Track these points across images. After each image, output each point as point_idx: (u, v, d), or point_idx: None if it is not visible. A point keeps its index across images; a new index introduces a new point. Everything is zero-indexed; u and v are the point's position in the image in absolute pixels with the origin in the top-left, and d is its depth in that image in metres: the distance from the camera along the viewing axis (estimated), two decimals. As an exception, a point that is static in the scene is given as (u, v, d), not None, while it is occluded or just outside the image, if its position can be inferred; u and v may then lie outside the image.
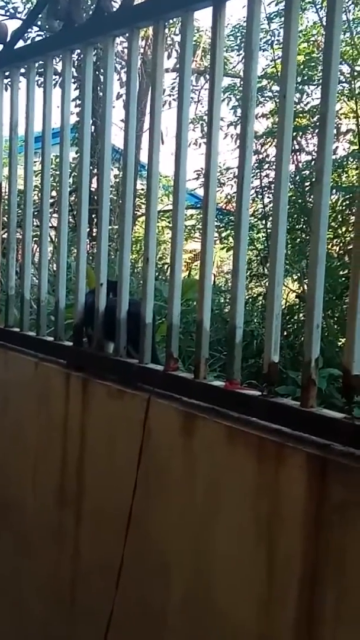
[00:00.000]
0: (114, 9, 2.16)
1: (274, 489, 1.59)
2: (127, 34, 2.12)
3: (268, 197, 7.32)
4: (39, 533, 2.46)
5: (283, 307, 6.45)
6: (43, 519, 2.44)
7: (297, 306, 6.46)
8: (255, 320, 6.19)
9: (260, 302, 6.76)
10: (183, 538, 1.85)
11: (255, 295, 7.28)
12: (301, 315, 6.11)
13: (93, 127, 5.21)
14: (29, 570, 2.52)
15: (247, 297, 6.83)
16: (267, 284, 1.79)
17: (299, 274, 6.69)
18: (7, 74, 2.74)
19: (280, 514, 1.58)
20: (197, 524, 1.80)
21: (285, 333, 5.95)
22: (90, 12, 2.28)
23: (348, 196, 6.49)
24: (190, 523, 1.82)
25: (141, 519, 1.99)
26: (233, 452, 1.70)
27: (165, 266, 7.27)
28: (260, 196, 7.56)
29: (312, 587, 1.50)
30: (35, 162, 2.73)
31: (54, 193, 3.22)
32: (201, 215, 1.91)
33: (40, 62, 2.55)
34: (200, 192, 1.91)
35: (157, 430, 1.95)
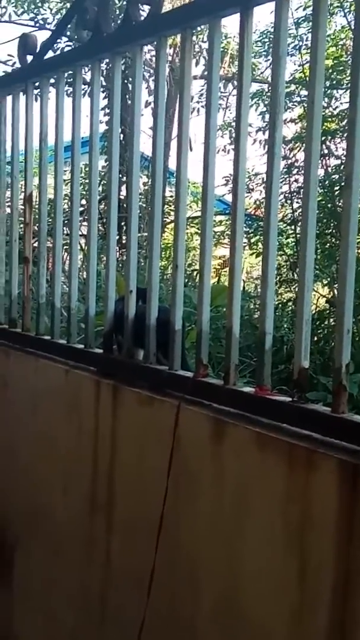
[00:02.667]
0: (142, 18, 2.18)
1: (305, 495, 1.58)
2: (155, 43, 2.13)
3: (297, 202, 7.30)
4: (70, 541, 2.47)
5: (313, 312, 6.42)
6: (74, 527, 2.45)
7: (328, 311, 6.42)
8: (285, 326, 6.17)
9: (290, 308, 6.73)
10: (213, 546, 1.84)
11: (285, 300, 7.25)
12: (331, 320, 6.08)
13: (122, 135, 5.24)
14: (60, 579, 2.54)
15: (276, 303, 6.81)
16: (296, 289, 1.78)
17: (329, 279, 6.65)
18: (37, 84, 2.78)
19: (311, 521, 1.57)
20: (228, 531, 1.80)
21: (315, 338, 5.92)
22: (119, 22, 2.30)
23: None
24: (221, 530, 1.82)
25: (172, 527, 1.99)
26: (263, 459, 1.70)
27: (195, 272, 7.27)
28: (289, 201, 7.54)
29: (345, 595, 1.49)
30: (65, 171, 2.76)
31: (83, 201, 3.25)
32: (230, 222, 1.91)
33: (70, 72, 2.58)
34: (229, 198, 1.91)
35: (187, 437, 1.95)
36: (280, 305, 6.89)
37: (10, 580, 2.89)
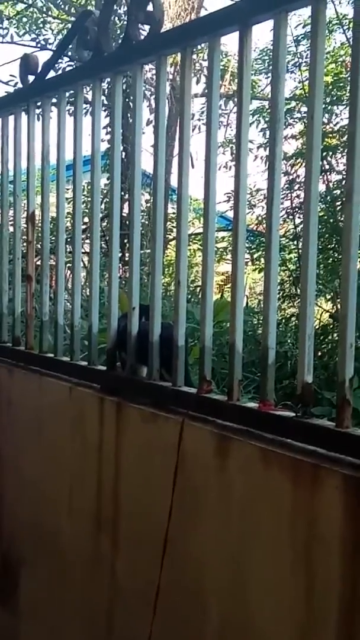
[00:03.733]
0: (142, 38, 2.20)
1: (311, 511, 1.58)
2: (155, 62, 2.15)
3: (299, 217, 7.31)
4: (75, 559, 2.46)
5: (316, 327, 6.41)
6: (79, 544, 2.44)
7: (331, 326, 6.41)
8: (289, 341, 6.16)
9: (294, 323, 6.72)
10: (219, 562, 1.83)
11: (288, 316, 7.25)
12: (335, 335, 6.06)
13: (124, 153, 5.27)
14: (66, 596, 2.52)
15: (280, 318, 6.80)
16: (299, 304, 1.78)
17: (332, 294, 6.65)
18: (38, 103, 2.80)
19: (317, 536, 1.56)
20: (234, 548, 1.79)
21: (319, 353, 5.90)
22: (119, 41, 2.32)
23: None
24: (227, 546, 1.81)
25: (177, 543, 1.98)
26: (268, 474, 1.69)
27: (198, 289, 7.28)
28: (291, 217, 7.56)
29: (353, 610, 1.48)
30: (67, 189, 2.77)
31: (86, 219, 3.27)
32: (232, 237, 1.92)
33: (71, 92, 2.60)
34: (231, 214, 1.92)
35: (192, 453, 1.94)
36: (283, 321, 6.89)
37: (15, 598, 2.87)
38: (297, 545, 1.61)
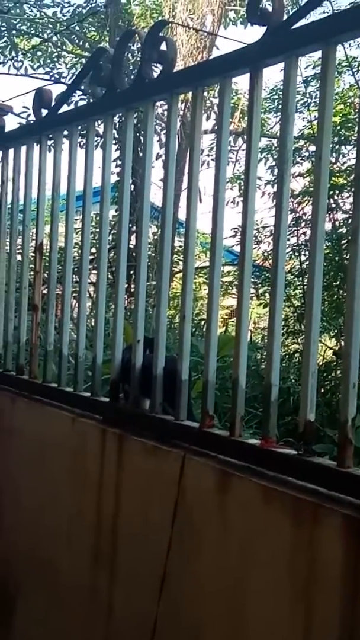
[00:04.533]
0: (155, 76, 2.24)
1: (310, 550, 1.56)
2: (166, 99, 2.19)
3: (305, 254, 7.35)
4: (73, 591, 2.43)
5: (320, 364, 6.40)
6: (77, 575, 2.41)
7: (335, 363, 6.40)
8: (292, 377, 6.15)
9: (297, 359, 6.71)
10: (217, 599, 1.81)
11: (291, 352, 7.24)
12: (338, 372, 6.05)
13: (132, 186, 5.33)
14: (62, 627, 2.49)
15: (283, 354, 6.79)
16: (303, 341, 1.79)
17: (336, 331, 6.65)
18: (51, 136, 2.84)
19: (316, 576, 1.55)
20: (232, 585, 1.77)
21: (322, 390, 5.89)
22: (131, 78, 2.37)
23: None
24: (225, 583, 1.79)
25: (175, 578, 1.97)
26: (268, 512, 1.68)
27: (202, 322, 7.29)
28: (297, 254, 7.60)
29: (350, 654, 1.46)
30: (76, 219, 2.80)
31: (93, 250, 3.29)
32: (238, 272, 1.93)
33: (83, 125, 2.64)
34: (238, 249, 1.94)
35: (192, 488, 1.94)
36: (287, 356, 6.88)
37: (12, 628, 2.83)
38: (296, 585, 1.59)
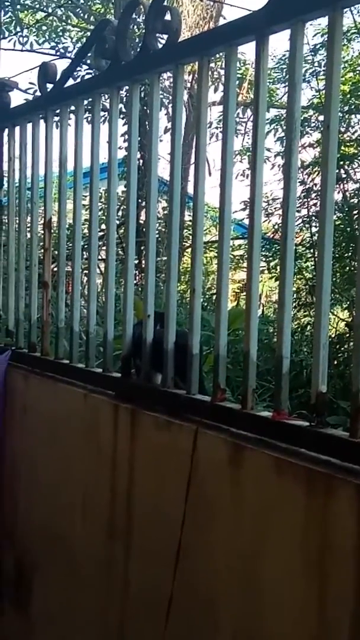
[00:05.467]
0: (160, 47, 2.21)
1: (324, 521, 1.57)
2: (172, 70, 2.16)
3: (315, 226, 7.29)
4: (88, 566, 2.46)
5: (333, 336, 6.38)
6: (92, 551, 2.44)
7: (347, 335, 6.38)
8: (304, 350, 6.13)
9: (310, 332, 6.69)
10: (232, 571, 1.83)
11: (304, 324, 7.22)
12: (351, 344, 6.03)
13: (141, 160, 5.29)
14: (78, 602, 2.52)
15: (295, 327, 6.77)
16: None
17: (348, 303, 6.62)
18: (57, 112, 2.82)
19: (330, 547, 1.55)
20: (246, 557, 1.78)
21: (335, 362, 5.87)
22: (137, 50, 2.33)
23: None
24: (239, 556, 1.80)
25: (190, 551, 1.98)
26: (281, 484, 1.68)
27: (214, 296, 7.27)
28: (307, 225, 7.54)
29: (365, 623, 1.46)
30: (84, 196, 2.79)
31: (102, 226, 3.28)
32: (247, 246, 1.92)
33: (89, 100, 2.62)
34: (248, 222, 1.92)
35: (205, 462, 1.94)
36: (299, 329, 6.86)
37: (28, 603, 2.88)
38: (310, 556, 1.60)
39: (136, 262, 3.25)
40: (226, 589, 1.84)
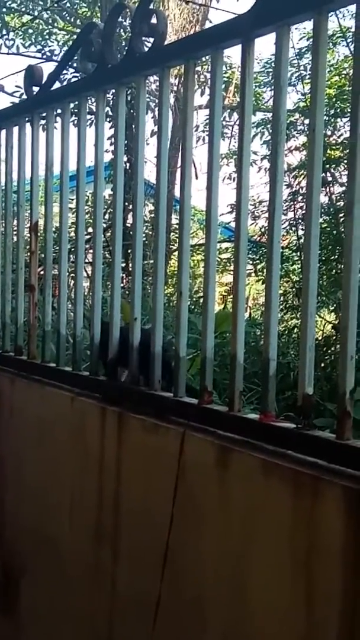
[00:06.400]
0: (146, 50, 2.21)
1: (311, 522, 1.57)
2: (158, 74, 2.17)
3: (302, 229, 7.32)
4: (76, 569, 2.45)
5: (319, 338, 6.39)
6: (80, 554, 2.43)
7: (334, 337, 6.40)
8: (291, 352, 6.15)
9: (297, 334, 6.71)
10: (220, 572, 1.83)
11: (291, 327, 7.24)
12: (338, 346, 6.05)
13: (127, 164, 5.29)
14: (66, 605, 2.51)
15: (282, 329, 6.79)
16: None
17: (335, 305, 6.64)
18: (43, 115, 2.81)
19: (317, 548, 1.56)
20: (234, 559, 1.78)
21: (322, 364, 5.89)
22: (123, 53, 2.34)
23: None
24: (227, 558, 1.81)
25: (177, 554, 1.98)
26: (268, 486, 1.69)
27: (201, 299, 7.29)
28: (294, 228, 7.57)
29: (353, 622, 1.47)
30: (70, 199, 2.78)
31: (89, 229, 3.28)
32: (234, 249, 1.93)
33: (75, 103, 2.62)
34: (234, 225, 1.93)
35: (192, 464, 1.94)
36: (286, 332, 6.88)
37: (16, 607, 2.86)
38: (297, 557, 1.60)
39: (123, 265, 3.24)
40: (214, 590, 1.84)
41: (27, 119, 2.92)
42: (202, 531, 1.90)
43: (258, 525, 1.72)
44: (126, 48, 2.30)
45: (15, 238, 3.10)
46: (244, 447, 1.78)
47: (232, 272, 1.91)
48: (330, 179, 7.40)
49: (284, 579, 1.63)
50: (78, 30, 10.26)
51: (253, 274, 8.45)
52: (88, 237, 2.94)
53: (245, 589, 1.75)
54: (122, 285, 2.46)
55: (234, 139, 10.91)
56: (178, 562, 1.97)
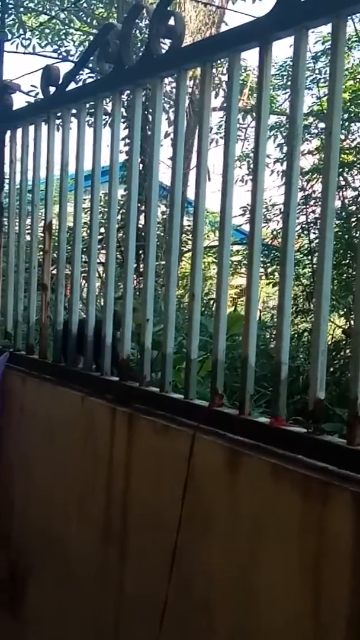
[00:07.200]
0: (163, 51, 2.22)
1: (320, 527, 1.57)
2: (175, 75, 2.17)
3: (314, 232, 7.31)
4: (83, 569, 2.46)
5: (330, 343, 6.38)
6: (87, 554, 2.43)
7: (344, 342, 6.39)
8: (301, 356, 6.14)
9: (307, 338, 6.70)
10: (228, 576, 1.83)
11: (301, 331, 7.23)
12: (348, 351, 6.03)
13: (141, 165, 5.29)
14: (73, 605, 2.52)
15: (293, 333, 6.78)
16: (312, 319, 1.78)
17: (345, 310, 6.63)
18: (58, 114, 2.82)
19: (326, 553, 1.55)
20: (242, 562, 1.78)
21: (332, 369, 5.88)
22: (139, 55, 2.34)
23: None
24: (235, 561, 1.80)
25: (186, 556, 1.98)
26: (278, 490, 1.68)
27: (212, 301, 7.28)
28: (306, 232, 7.56)
29: (360, 630, 1.47)
30: (84, 199, 2.79)
31: (102, 229, 3.29)
32: (247, 251, 1.93)
33: (91, 103, 2.62)
34: (247, 228, 1.93)
35: (202, 466, 1.94)
36: (296, 336, 6.86)
37: (23, 606, 2.87)
38: (306, 561, 1.60)
39: (134, 266, 3.24)
40: (222, 593, 1.84)
41: (43, 118, 2.93)
42: (211, 534, 1.89)
43: (267, 529, 1.72)
44: (143, 49, 2.30)
45: (28, 237, 3.11)
46: (254, 451, 1.78)
47: (242, 275, 1.92)
48: (343, 183, 7.38)
49: (292, 584, 1.63)
50: (94, 31, 10.30)
51: (263, 277, 8.43)
52: (100, 237, 2.95)
53: (253, 592, 1.75)
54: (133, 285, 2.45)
55: (247, 141, 10.91)
56: (186, 564, 1.97)
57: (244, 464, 1.80)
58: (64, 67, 2.86)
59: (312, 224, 7.45)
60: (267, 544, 1.71)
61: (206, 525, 1.91)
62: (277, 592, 1.68)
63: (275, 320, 1.85)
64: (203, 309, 6.50)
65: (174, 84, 2.18)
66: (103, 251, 2.63)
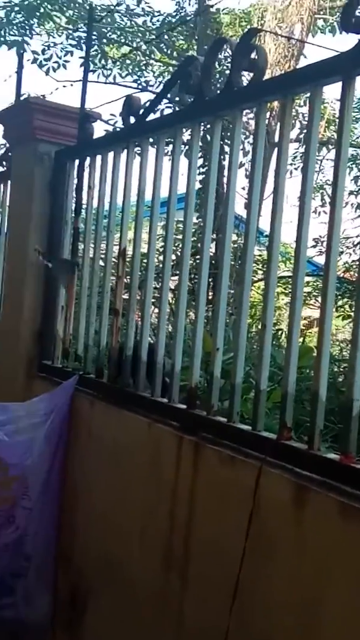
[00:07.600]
0: (244, 84, 2.24)
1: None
2: (255, 108, 2.19)
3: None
4: (144, 594, 2.45)
5: None
6: (148, 580, 2.42)
7: None
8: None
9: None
10: (291, 613, 1.79)
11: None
12: None
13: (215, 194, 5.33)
14: (132, 629, 2.50)
15: None
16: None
17: None
18: (137, 143, 2.88)
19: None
20: (306, 600, 1.74)
21: None
22: (220, 87, 2.37)
23: None
24: (299, 598, 1.77)
25: (248, 588, 1.95)
26: (346, 529, 1.65)
27: (280, 332, 7.22)
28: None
29: None
30: (158, 226, 2.82)
31: (173, 256, 3.31)
32: (317, 283, 1.92)
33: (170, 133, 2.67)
34: (317, 259, 1.91)
35: (268, 500, 1.92)
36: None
37: (82, 628, 2.87)
38: (372, 605, 1.55)
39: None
40: (283, 630, 1.80)
41: (122, 146, 2.98)
42: (275, 568, 1.86)
43: (334, 568, 1.68)
44: (224, 81, 2.33)
45: (102, 263, 3.16)
46: (322, 488, 1.75)
47: (311, 306, 1.90)
48: None
49: (358, 626, 1.58)
50: (174, 62, 10.49)
51: (333, 310, 8.33)
52: (173, 264, 2.97)
53: (316, 631, 1.70)
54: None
55: (322, 173, 10.87)
56: (248, 597, 1.94)
57: (312, 500, 1.77)
58: (143, 97, 2.92)
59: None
60: (333, 582, 1.67)
61: (270, 559, 1.88)
62: (342, 633, 1.63)
63: (345, 353, 1.82)
64: (271, 339, 6.46)
65: (249, 115, 2.20)
66: (173, 278, 2.64)
